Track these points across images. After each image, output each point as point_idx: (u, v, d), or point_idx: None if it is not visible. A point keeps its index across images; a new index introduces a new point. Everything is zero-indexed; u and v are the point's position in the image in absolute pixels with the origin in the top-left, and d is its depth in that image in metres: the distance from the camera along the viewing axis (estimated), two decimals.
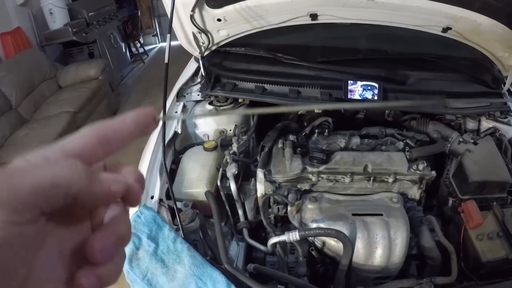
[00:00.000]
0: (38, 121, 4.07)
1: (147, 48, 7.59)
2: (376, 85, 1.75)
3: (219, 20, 1.76)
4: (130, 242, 1.22)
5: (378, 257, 1.45)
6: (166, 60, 1.63)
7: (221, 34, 1.88)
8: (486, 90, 1.92)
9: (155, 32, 8.00)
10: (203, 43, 1.92)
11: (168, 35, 1.66)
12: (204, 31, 1.83)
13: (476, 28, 1.69)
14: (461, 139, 1.76)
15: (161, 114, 1.82)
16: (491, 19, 1.63)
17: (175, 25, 1.80)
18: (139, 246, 1.32)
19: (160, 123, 1.92)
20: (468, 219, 1.54)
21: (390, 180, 1.62)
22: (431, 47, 1.94)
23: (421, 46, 1.94)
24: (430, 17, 1.68)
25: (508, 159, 1.75)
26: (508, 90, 1.98)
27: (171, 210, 1.55)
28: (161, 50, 7.74)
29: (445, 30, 1.75)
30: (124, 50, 6.55)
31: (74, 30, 4.87)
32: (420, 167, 1.63)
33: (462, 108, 1.83)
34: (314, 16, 1.74)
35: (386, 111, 1.95)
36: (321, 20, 1.78)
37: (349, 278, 1.51)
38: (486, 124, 1.88)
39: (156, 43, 8.12)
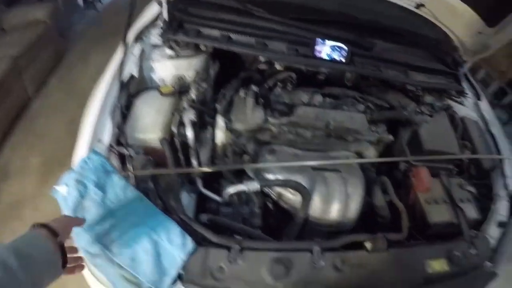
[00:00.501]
0: None
1: None
2: (346, 47, 1.74)
3: None
4: (74, 190, 1.16)
5: (334, 212, 1.45)
6: None
7: None
8: (445, 69, 1.98)
9: None
10: None
11: None
12: None
13: (448, 9, 1.75)
14: (418, 110, 1.80)
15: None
16: (464, 4, 1.69)
17: None
18: (85, 194, 1.17)
19: (117, 59, 1.80)
20: (419, 184, 1.59)
21: (350, 138, 1.63)
22: (400, 20, 1.96)
23: (392, 18, 1.95)
24: None
25: (458, 135, 1.83)
26: (465, 73, 2.08)
27: (121, 156, 1.43)
28: None
29: (418, 6, 1.79)
30: None
31: None
32: (380, 129, 1.66)
33: (422, 81, 1.87)
34: None
35: (347, 75, 1.94)
36: None
37: (302, 231, 1.48)
38: (441, 100, 1.95)
39: None
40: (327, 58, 1.73)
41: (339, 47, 1.73)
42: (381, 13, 1.92)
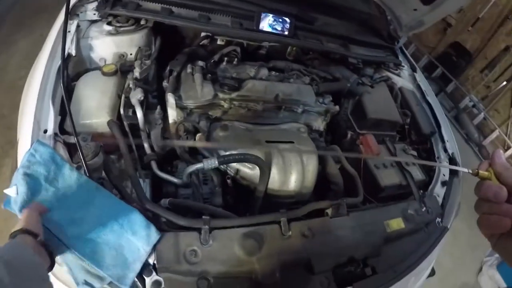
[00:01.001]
0: None
1: None
2: (288, 20, 1.74)
3: None
4: (23, 186, 1.01)
5: (293, 182, 1.46)
6: None
7: None
8: (383, 43, 2.08)
9: None
10: None
11: None
12: None
13: None
14: (359, 81, 1.87)
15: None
16: None
17: None
18: (35, 191, 1.03)
19: (52, 38, 1.64)
20: (367, 150, 1.66)
21: (299, 110, 1.65)
22: None
23: None
24: None
25: (398, 104, 1.93)
26: (400, 48, 2.19)
27: (68, 146, 1.30)
28: None
29: None
30: None
31: None
32: (326, 100, 1.71)
33: (362, 54, 1.94)
34: None
35: (288, 50, 1.96)
36: None
37: (263, 204, 1.48)
38: (380, 72, 2.04)
39: None
40: (269, 30, 1.73)
41: (282, 20, 1.73)
42: None
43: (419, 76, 2.19)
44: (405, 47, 2.31)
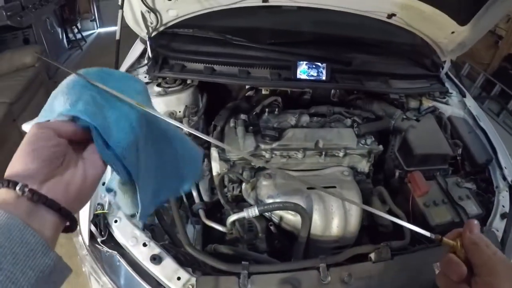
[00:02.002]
0: None
1: (84, 33, 7.02)
2: (322, 65, 1.79)
3: None
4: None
5: (335, 227, 1.47)
6: (117, 37, 1.54)
7: (170, 14, 1.83)
8: (426, 72, 2.04)
9: (93, 17, 7.39)
10: (151, 23, 1.84)
11: (120, 11, 1.58)
12: (153, 10, 1.77)
13: (419, 15, 1.81)
14: (404, 116, 1.85)
15: None
16: (434, 8, 1.74)
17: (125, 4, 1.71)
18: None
19: None
20: (415, 188, 1.62)
21: (341, 154, 1.67)
22: (375, 32, 2.03)
23: (366, 31, 2.03)
24: (377, 3, 1.78)
25: (448, 134, 1.87)
26: (446, 73, 2.13)
27: None
28: (99, 36, 7.27)
29: (390, 16, 1.85)
30: (61, 35, 6.02)
31: (8, 13, 4.38)
32: (368, 141, 1.71)
33: (405, 88, 1.92)
34: None
35: (332, 92, 2.00)
36: (272, 2, 1.80)
37: (307, 249, 1.51)
38: (427, 103, 2.00)
39: (94, 29, 7.52)
40: (307, 78, 1.79)
41: (316, 65, 1.79)
42: (356, 27, 1.98)
43: (469, 101, 2.10)
44: (458, 68, 2.25)
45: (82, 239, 1.38)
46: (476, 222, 0.68)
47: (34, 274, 0.44)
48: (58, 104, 0.59)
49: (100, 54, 6.00)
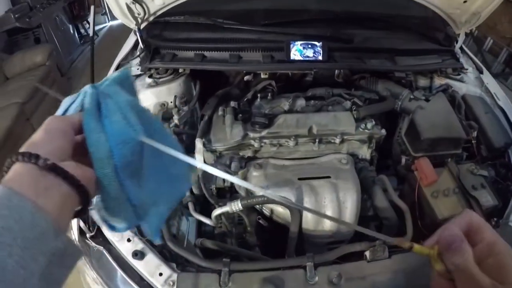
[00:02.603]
0: None
1: (96, 27, 6.97)
2: (317, 43, 1.65)
3: None
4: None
5: (328, 221, 1.37)
6: (91, 33, 1.49)
7: (156, 3, 1.75)
8: (437, 47, 1.85)
9: (104, 11, 7.41)
10: (138, 14, 1.78)
11: (92, 7, 1.52)
12: (137, 0, 1.70)
13: None
14: (412, 96, 1.68)
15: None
16: None
17: None
18: None
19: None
20: (422, 177, 1.47)
21: (337, 140, 1.53)
22: (379, 6, 1.86)
23: (369, 5, 1.86)
24: None
25: (462, 115, 1.68)
26: (461, 47, 1.93)
27: None
28: (112, 28, 7.29)
29: None
30: (72, 32, 6.12)
31: (16, 16, 4.53)
32: (369, 125, 1.55)
33: (412, 65, 1.75)
34: None
35: (336, 72, 1.85)
36: None
37: (301, 244, 1.42)
38: (439, 81, 1.81)
39: (105, 22, 7.56)
40: (302, 58, 1.66)
41: (311, 45, 1.65)
42: (357, 1, 1.82)
43: (487, 78, 1.89)
44: (480, 43, 2.04)
45: (73, 234, 1.40)
46: (453, 226, 0.53)
47: (46, 258, 0.43)
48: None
49: (112, 47, 6.05)
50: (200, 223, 1.53)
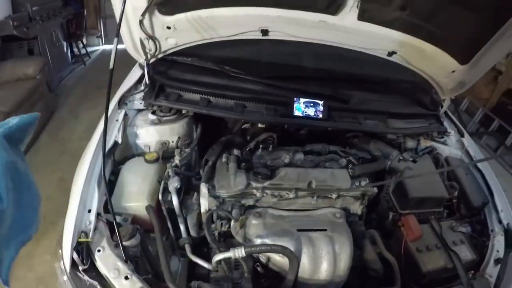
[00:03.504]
0: None
1: (89, 49, 7.34)
2: (320, 102, 1.81)
3: (168, 28, 1.75)
4: None
5: (323, 272, 1.48)
6: (111, 66, 1.57)
7: (169, 43, 1.87)
8: (425, 112, 2.06)
9: (99, 34, 7.71)
10: (149, 50, 1.88)
11: (115, 39, 1.61)
12: (152, 37, 1.80)
13: (420, 54, 1.84)
14: (401, 157, 1.86)
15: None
16: (435, 47, 1.77)
17: (123, 29, 1.75)
18: None
19: (100, 130, 1.84)
20: (408, 233, 1.63)
21: (334, 196, 1.68)
22: (374, 69, 2.05)
23: (366, 68, 2.05)
24: (378, 41, 1.82)
25: (444, 176, 1.87)
26: (445, 111, 2.14)
27: (110, 224, 1.47)
28: (104, 53, 7.54)
29: (390, 54, 1.89)
30: (65, 49, 6.23)
31: (15, 24, 4.55)
32: (363, 183, 1.71)
33: (402, 128, 1.94)
34: (265, 32, 1.80)
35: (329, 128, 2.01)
36: (272, 36, 1.83)
37: None
38: (424, 143, 2.01)
39: (99, 45, 7.83)
40: (304, 115, 1.81)
41: (313, 103, 1.80)
42: (355, 64, 2.01)
43: (468, 141, 2.12)
44: (457, 103, 2.27)
45: (64, 265, 1.39)
46: None
47: None
48: None
49: (103, 71, 6.20)
50: (190, 265, 1.60)
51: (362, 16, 1.70)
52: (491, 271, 1.56)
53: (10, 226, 0.73)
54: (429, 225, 1.72)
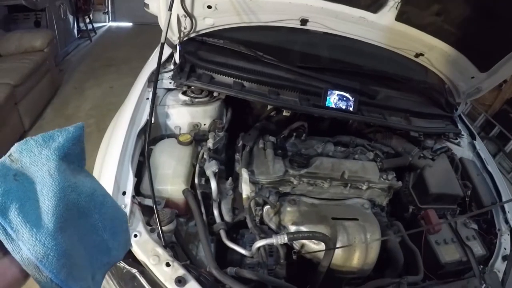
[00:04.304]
0: None
1: (96, 25, 7.21)
2: (353, 98, 1.90)
3: (209, 7, 1.77)
4: None
5: (356, 259, 1.58)
6: (162, 39, 1.58)
7: (206, 22, 1.88)
8: (442, 113, 2.20)
9: (106, 10, 7.63)
10: (184, 28, 1.88)
11: (168, 12, 1.61)
12: (190, 15, 1.81)
13: (445, 58, 1.97)
14: (421, 154, 1.98)
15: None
16: (460, 53, 1.90)
17: (161, 4, 1.73)
18: None
19: (132, 101, 1.82)
20: (429, 226, 1.76)
21: (364, 187, 1.78)
22: (399, 68, 2.16)
23: (391, 66, 2.16)
24: (409, 42, 1.93)
25: (458, 175, 2.02)
26: (459, 115, 2.30)
27: (143, 207, 1.47)
28: (110, 29, 7.53)
29: (418, 55, 2.01)
30: (72, 24, 6.14)
31: None
32: (390, 177, 1.83)
33: (424, 127, 2.07)
34: (304, 22, 1.85)
35: (350, 121, 2.11)
36: (309, 26, 1.89)
37: (325, 278, 1.60)
38: (440, 143, 2.15)
39: (106, 22, 7.75)
40: (335, 107, 1.89)
41: (346, 98, 1.89)
42: (383, 62, 2.11)
43: (479, 144, 2.29)
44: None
45: None
46: None
47: None
48: None
49: (108, 48, 6.34)
50: (220, 250, 1.64)
51: (399, 17, 1.81)
52: (499, 266, 1.72)
53: (85, 255, 0.66)
54: (445, 220, 1.87)
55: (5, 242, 0.53)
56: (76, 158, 0.69)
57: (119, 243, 0.75)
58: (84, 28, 6.69)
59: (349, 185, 1.76)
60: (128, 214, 1.40)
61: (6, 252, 0.53)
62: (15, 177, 0.59)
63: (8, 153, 0.61)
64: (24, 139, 0.62)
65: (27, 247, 0.53)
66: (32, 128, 4.03)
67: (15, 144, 0.62)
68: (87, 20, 6.74)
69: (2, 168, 0.59)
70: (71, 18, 6.05)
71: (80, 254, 0.64)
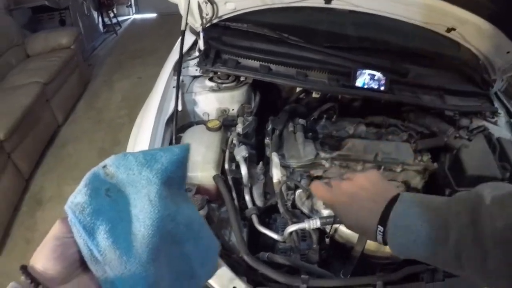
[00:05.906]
0: (4, 91, 3.80)
1: (120, 19, 7.52)
2: (384, 76, 1.88)
3: None
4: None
5: None
6: (182, 27, 1.60)
7: (228, 7, 1.89)
8: (477, 90, 2.15)
9: (129, 3, 7.92)
10: (206, 15, 1.90)
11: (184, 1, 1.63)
12: (211, 1, 1.83)
13: (478, 32, 1.91)
14: (457, 135, 1.96)
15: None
16: (495, 26, 1.84)
17: None
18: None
19: (159, 90, 1.87)
20: None
21: (398, 169, 1.77)
22: (430, 44, 2.12)
23: (422, 42, 2.11)
24: (441, 16, 1.87)
25: (496, 156, 1.98)
26: (496, 92, 2.25)
27: None
28: (135, 22, 7.88)
29: (449, 30, 1.95)
30: (96, 19, 6.51)
31: None
32: (425, 158, 1.81)
33: (459, 105, 2.03)
34: (328, 0, 1.82)
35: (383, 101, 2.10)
36: (334, 5, 1.87)
37: (358, 264, 1.61)
38: (476, 122, 2.11)
39: (129, 15, 8.06)
40: (366, 87, 1.88)
41: (376, 75, 1.87)
42: (413, 38, 2.08)
43: None
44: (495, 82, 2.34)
45: None
46: None
47: None
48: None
49: (134, 40, 6.67)
50: (251, 236, 1.67)
51: None
52: None
53: (170, 284, 0.64)
54: None
55: (89, 263, 0.53)
56: (177, 181, 0.67)
57: (206, 272, 0.75)
58: (109, 22, 6.99)
59: (382, 167, 1.76)
60: None
61: (86, 269, 0.53)
62: (107, 192, 0.57)
63: (102, 164, 0.59)
64: (123, 153, 0.60)
65: (114, 273, 0.53)
66: (65, 123, 4.24)
67: (112, 156, 0.60)
68: (111, 15, 7.02)
69: (95, 179, 0.57)
70: (95, 14, 6.37)
71: (166, 283, 0.62)
